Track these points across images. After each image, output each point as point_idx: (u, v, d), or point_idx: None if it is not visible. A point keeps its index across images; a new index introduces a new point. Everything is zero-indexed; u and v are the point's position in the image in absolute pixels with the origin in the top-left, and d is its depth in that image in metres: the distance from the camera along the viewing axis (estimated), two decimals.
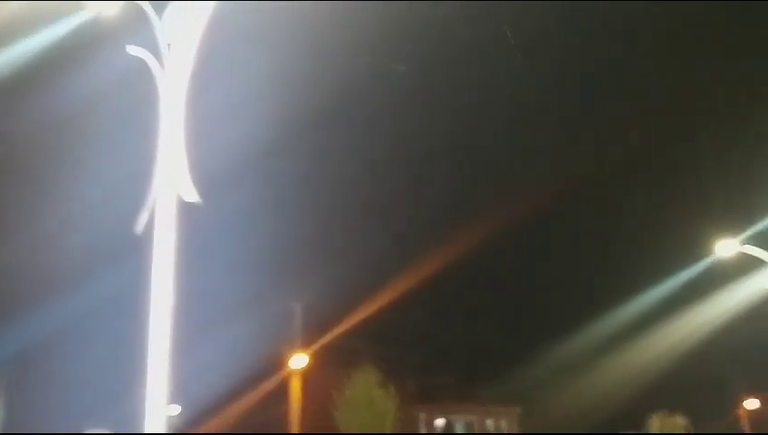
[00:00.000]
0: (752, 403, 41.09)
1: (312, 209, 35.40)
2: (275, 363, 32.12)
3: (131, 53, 9.39)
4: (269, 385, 32.67)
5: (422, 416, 39.44)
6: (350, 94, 27.78)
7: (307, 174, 35.21)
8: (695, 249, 33.76)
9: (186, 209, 9.19)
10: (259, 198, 30.83)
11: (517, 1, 25.12)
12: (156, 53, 9.21)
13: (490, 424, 40.55)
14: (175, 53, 9.14)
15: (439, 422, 39.77)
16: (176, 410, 23.43)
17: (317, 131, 31.29)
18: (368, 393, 28.30)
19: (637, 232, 51.99)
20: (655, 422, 33.52)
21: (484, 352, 42.19)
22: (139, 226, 9.05)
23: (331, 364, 32.50)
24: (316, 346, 32.77)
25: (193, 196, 9.11)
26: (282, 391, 31.30)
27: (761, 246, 29.86)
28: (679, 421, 32.76)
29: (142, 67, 9.31)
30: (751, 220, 31.41)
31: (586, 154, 40.58)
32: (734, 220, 34.18)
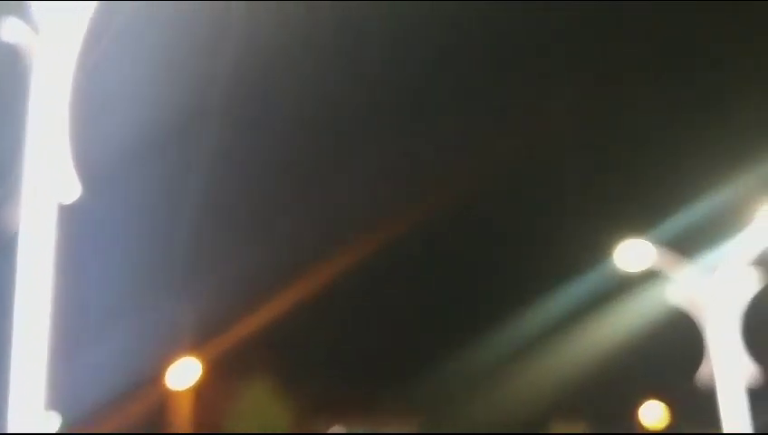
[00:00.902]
0: (650, 408, 43.80)
1: (204, 209, 34.96)
2: (161, 371, 31.54)
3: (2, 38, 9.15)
4: (154, 394, 32.02)
5: (320, 426, 39.70)
6: (243, 91, 27.75)
7: (198, 172, 34.75)
8: (597, 253, 35.72)
9: (64, 208, 9.04)
10: (145, 196, 30.25)
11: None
12: (30, 37, 9.02)
13: (390, 429, 41.22)
14: (52, 39, 8.97)
15: (337, 432, 40.11)
16: (53, 422, 22.61)
17: (209, 129, 30.98)
18: (260, 403, 28.39)
19: (541, 236, 54.16)
20: (556, 428, 34.88)
21: (386, 360, 42.89)
22: (9, 224, 8.84)
23: (224, 372, 32.28)
24: (206, 353, 32.34)
25: (72, 194, 8.98)
26: (167, 400, 30.81)
27: (666, 249, 32.08)
28: (580, 426, 34.25)
29: (12, 54, 9.11)
30: (653, 225, 33.57)
31: (487, 156, 41.97)
32: (637, 224, 36.37)
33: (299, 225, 40.56)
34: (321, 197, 42.08)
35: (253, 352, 34.11)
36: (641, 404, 43.10)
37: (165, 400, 30.82)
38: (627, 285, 37.57)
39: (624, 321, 38.87)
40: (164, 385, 31.00)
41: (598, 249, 35.70)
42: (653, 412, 43.16)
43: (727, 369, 30.96)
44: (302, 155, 38.13)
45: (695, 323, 32.83)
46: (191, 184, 33.77)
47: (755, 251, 30.71)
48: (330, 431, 39.97)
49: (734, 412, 30.58)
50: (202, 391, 30.55)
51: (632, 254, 32.43)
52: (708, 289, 32.14)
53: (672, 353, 39.72)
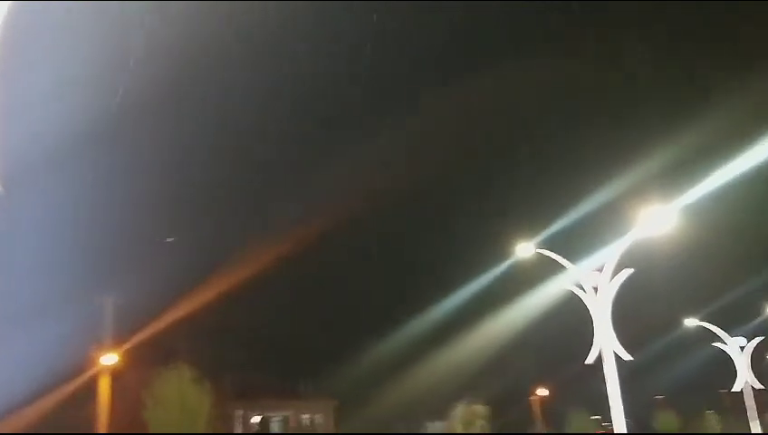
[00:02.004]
0: (542, 391, 46.84)
1: (126, 202, 35.54)
2: (84, 361, 31.86)
3: None
4: (77, 384, 32.33)
5: (238, 413, 40.72)
6: (162, 88, 28.45)
7: (120, 166, 35.26)
8: (498, 251, 38.17)
9: None
10: (68, 190, 30.61)
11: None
12: None
13: (306, 419, 42.66)
14: None
15: (255, 419, 41.23)
16: None
17: (130, 124, 31.59)
18: (180, 391, 28.78)
19: (446, 235, 56.62)
20: (458, 412, 36.83)
21: (303, 349, 44.39)
22: None
23: (144, 362, 32.58)
24: (128, 344, 32.66)
25: None
26: (90, 390, 31.10)
27: (553, 249, 34.76)
28: (479, 410, 36.44)
29: None
30: (545, 225, 36.23)
31: (396, 160, 43.91)
32: (531, 224, 39.04)
33: (219, 221, 41.61)
34: (241, 195, 43.23)
35: (173, 342, 34.87)
36: (536, 388, 46.15)
37: (87, 388, 31.13)
38: (524, 279, 40.38)
39: (521, 313, 41.63)
40: (87, 374, 31.33)
41: (498, 247, 38.27)
42: (544, 393, 46.32)
43: (607, 350, 34.10)
44: (224, 154, 39.11)
45: (584, 312, 35.83)
46: (112, 182, 34.42)
47: (628, 247, 33.95)
48: (246, 416, 41.00)
49: (615, 394, 33.70)
50: (123, 380, 30.95)
51: (528, 251, 35.13)
52: (593, 281, 35.19)
53: (564, 340, 42.86)
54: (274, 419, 41.84)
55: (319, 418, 43.15)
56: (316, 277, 47.34)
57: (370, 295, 51.35)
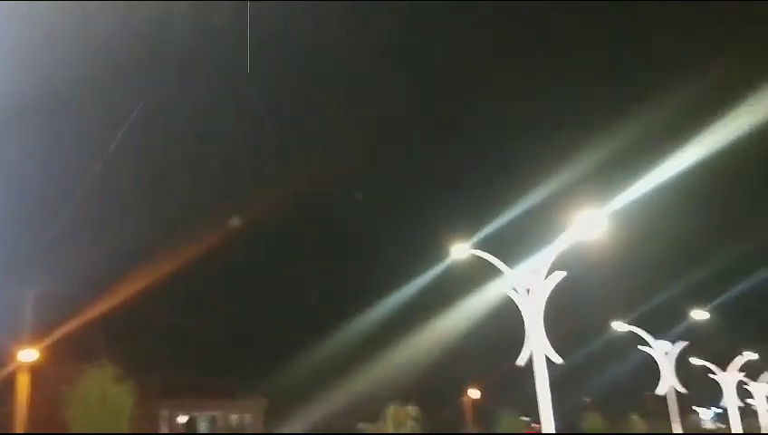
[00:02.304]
0: (474, 393, 47.21)
1: (49, 191, 34.29)
2: (2, 357, 30.69)
3: None
4: None
5: (164, 412, 39.66)
6: (83, 79, 27.57)
7: (40, 155, 33.97)
8: (433, 252, 38.26)
9: None
10: None
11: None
12: None
13: (234, 418, 41.87)
14: None
15: (182, 419, 40.26)
16: None
17: (50, 115, 30.50)
18: (102, 389, 27.96)
19: (381, 238, 56.64)
20: (390, 412, 36.68)
21: (233, 347, 43.61)
22: None
23: (66, 359, 31.72)
24: (49, 339, 31.67)
25: None
26: (8, 386, 30.00)
27: (488, 251, 34.95)
28: (410, 411, 36.35)
29: None
30: (480, 226, 36.43)
31: (326, 158, 43.64)
32: (467, 226, 39.23)
33: (144, 217, 40.52)
34: (164, 189, 42.16)
35: (96, 338, 33.79)
36: (468, 388, 46.47)
37: (5, 385, 30.04)
38: (458, 281, 40.57)
39: (454, 314, 41.77)
40: (4, 370, 30.24)
41: (434, 248, 38.37)
42: (476, 395, 46.71)
43: (538, 352, 34.48)
44: (151, 145, 38.12)
45: (517, 314, 36.18)
46: (30, 173, 33.11)
47: (561, 250, 34.43)
48: (172, 416, 40.08)
49: (544, 396, 34.08)
50: (43, 377, 29.99)
51: (464, 252, 35.26)
52: (526, 284, 35.55)
53: (497, 342, 43.23)
54: (202, 419, 40.95)
55: (248, 418, 42.42)
56: (247, 274, 46.62)
57: (302, 295, 50.91)
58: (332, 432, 39.83)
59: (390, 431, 35.47)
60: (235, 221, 38.80)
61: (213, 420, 41.20)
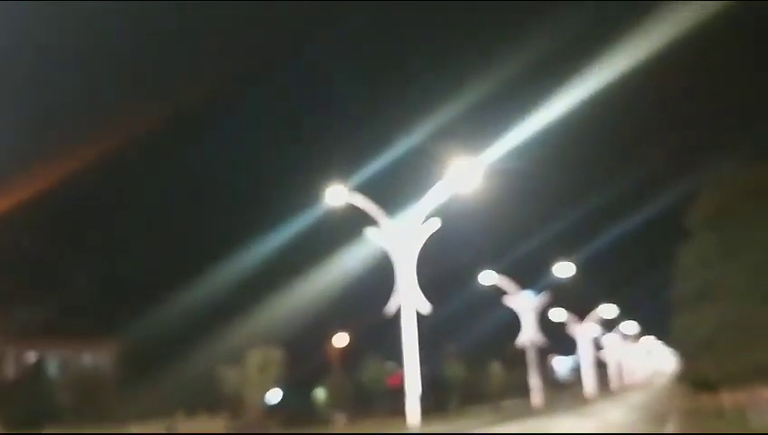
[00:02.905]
0: (341, 338, 47.16)
1: None
2: None
3: None
4: None
5: (11, 352, 37.00)
6: None
7: None
8: (307, 197, 37.32)
9: None
10: None
11: None
12: None
13: (87, 358, 39.71)
14: None
15: (30, 358, 37.71)
16: None
17: None
18: None
19: (254, 182, 55.08)
20: (253, 356, 35.75)
21: (83, 284, 41.01)
22: None
23: None
24: None
25: None
26: None
27: (364, 197, 34.35)
28: (275, 354, 35.52)
29: None
30: (354, 172, 35.68)
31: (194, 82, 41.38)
32: (343, 171, 38.38)
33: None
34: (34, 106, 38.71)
35: None
36: (336, 334, 46.35)
37: None
38: (332, 227, 39.88)
39: (327, 260, 41.23)
40: None
41: (306, 194, 37.43)
42: (341, 341, 46.70)
43: (407, 302, 34.57)
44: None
45: (389, 263, 36.05)
46: None
47: (438, 202, 34.36)
48: (20, 355, 37.48)
49: (410, 343, 34.26)
50: None
51: (339, 196, 34.53)
52: (400, 233, 35.29)
53: (369, 290, 43.13)
54: (51, 358, 38.49)
55: (101, 360, 40.32)
56: (102, 206, 43.81)
57: (167, 237, 48.71)
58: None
59: (255, 376, 34.53)
60: (97, 151, 36.05)
61: (64, 360, 38.86)
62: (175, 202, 51.46)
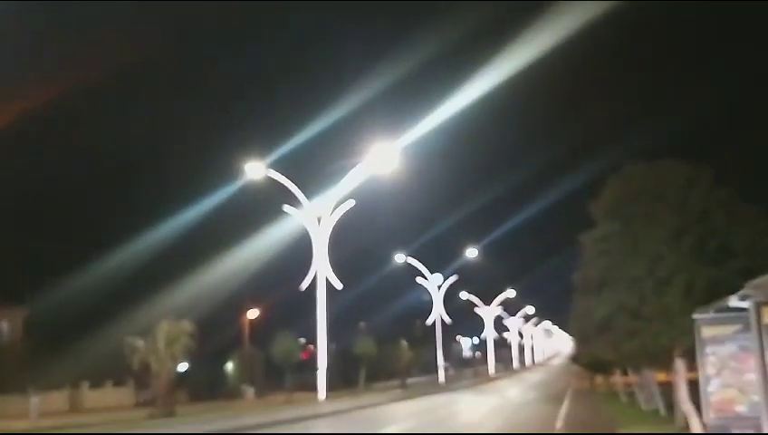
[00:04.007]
0: (253, 313, 47.00)
1: None
2: None
3: None
4: None
5: None
6: None
7: None
8: (228, 173, 36.83)
9: None
10: None
11: None
12: None
13: None
14: None
15: None
16: None
17: None
18: None
19: (176, 152, 53.87)
20: (162, 328, 35.06)
21: None
22: None
23: None
24: None
25: None
26: None
27: (285, 175, 34.27)
28: (185, 326, 34.90)
29: None
30: (275, 148, 35.48)
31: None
32: (262, 147, 38.11)
33: None
34: None
35: None
36: (250, 308, 46.14)
37: None
38: (250, 203, 39.57)
39: (244, 235, 40.83)
40: None
41: (227, 170, 36.92)
42: (253, 315, 46.61)
43: (321, 278, 34.95)
44: None
45: (306, 240, 36.20)
46: None
47: (354, 184, 34.78)
48: None
49: (322, 319, 34.66)
50: None
51: (259, 171, 34.29)
52: (317, 211, 35.46)
53: (284, 265, 43.10)
54: None
55: (5, 326, 38.74)
56: (16, 172, 41.82)
57: (84, 207, 47.16)
58: None
59: (162, 347, 33.92)
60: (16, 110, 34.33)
61: None
62: (93, 175, 49.70)
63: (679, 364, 13.02)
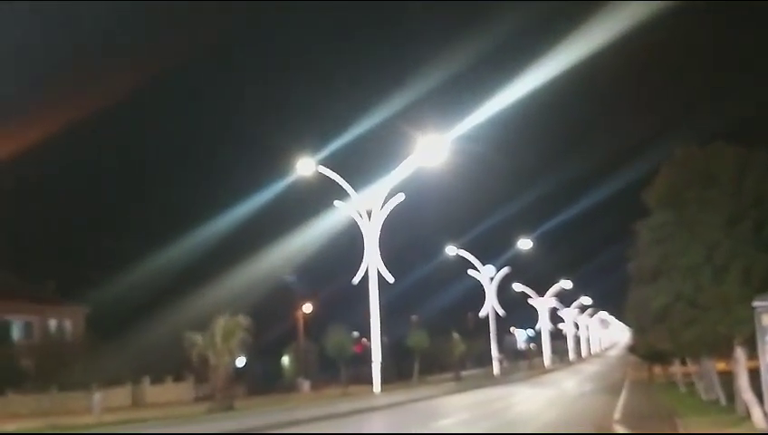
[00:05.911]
0: (307, 307, 47.53)
1: None
2: None
3: None
4: None
5: None
6: None
7: None
8: (278, 166, 37.33)
9: None
10: None
11: None
12: None
13: (53, 324, 39.36)
14: None
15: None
16: None
17: None
18: None
19: (227, 149, 54.65)
20: (219, 323, 35.63)
21: (44, 248, 40.62)
22: None
23: None
24: None
25: None
26: None
27: (335, 170, 34.60)
28: (241, 321, 35.41)
29: None
30: (326, 143, 35.81)
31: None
32: (315, 143, 38.48)
33: None
34: None
35: None
36: (304, 303, 46.78)
37: None
38: (301, 198, 40.02)
39: (296, 230, 41.33)
40: None
41: (278, 166, 37.39)
42: (307, 309, 47.16)
43: (372, 272, 35.19)
44: None
45: (357, 233, 36.48)
46: None
47: (404, 176, 34.89)
48: None
49: (375, 312, 34.88)
50: None
51: (309, 168, 34.68)
52: (367, 205, 35.67)
53: (336, 259, 43.54)
54: (16, 322, 38.09)
55: (68, 324, 40.02)
56: (72, 174, 43.17)
57: (140, 205, 48.33)
58: None
59: (219, 342, 34.52)
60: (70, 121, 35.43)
61: (29, 325, 38.46)
62: (147, 171, 50.93)
63: (739, 353, 12.76)
